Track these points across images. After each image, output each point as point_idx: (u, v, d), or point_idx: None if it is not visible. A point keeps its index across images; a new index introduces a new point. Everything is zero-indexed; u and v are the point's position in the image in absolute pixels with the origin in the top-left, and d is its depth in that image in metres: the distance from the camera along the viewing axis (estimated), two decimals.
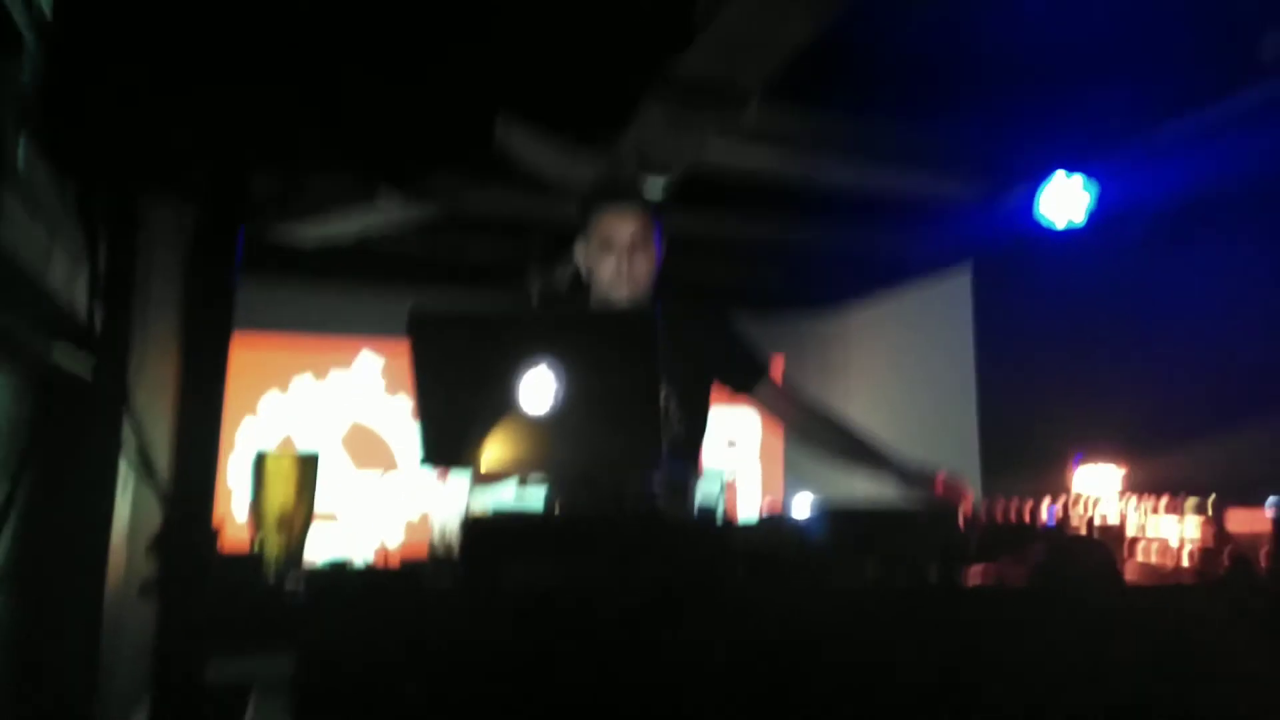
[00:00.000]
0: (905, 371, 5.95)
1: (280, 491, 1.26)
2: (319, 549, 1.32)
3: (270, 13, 1.13)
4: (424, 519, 5.67)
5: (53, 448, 2.06)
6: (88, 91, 1.24)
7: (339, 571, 1.19)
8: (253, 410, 5.62)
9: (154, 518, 1.30)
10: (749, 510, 1.55)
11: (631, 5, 3.41)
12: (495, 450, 1.40)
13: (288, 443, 4.65)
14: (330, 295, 5.80)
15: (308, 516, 1.29)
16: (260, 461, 1.29)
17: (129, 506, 2.37)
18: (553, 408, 1.37)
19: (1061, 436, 1.98)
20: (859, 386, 6.27)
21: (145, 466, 1.14)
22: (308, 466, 1.30)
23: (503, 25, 1.36)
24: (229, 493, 4.96)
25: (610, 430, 1.39)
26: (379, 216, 1.29)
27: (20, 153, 1.79)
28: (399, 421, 5.83)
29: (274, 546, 1.25)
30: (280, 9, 1.14)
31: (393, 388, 5.87)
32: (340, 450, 5.72)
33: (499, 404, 1.37)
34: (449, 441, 1.46)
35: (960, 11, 3.69)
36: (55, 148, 1.82)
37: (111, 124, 1.23)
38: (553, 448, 1.39)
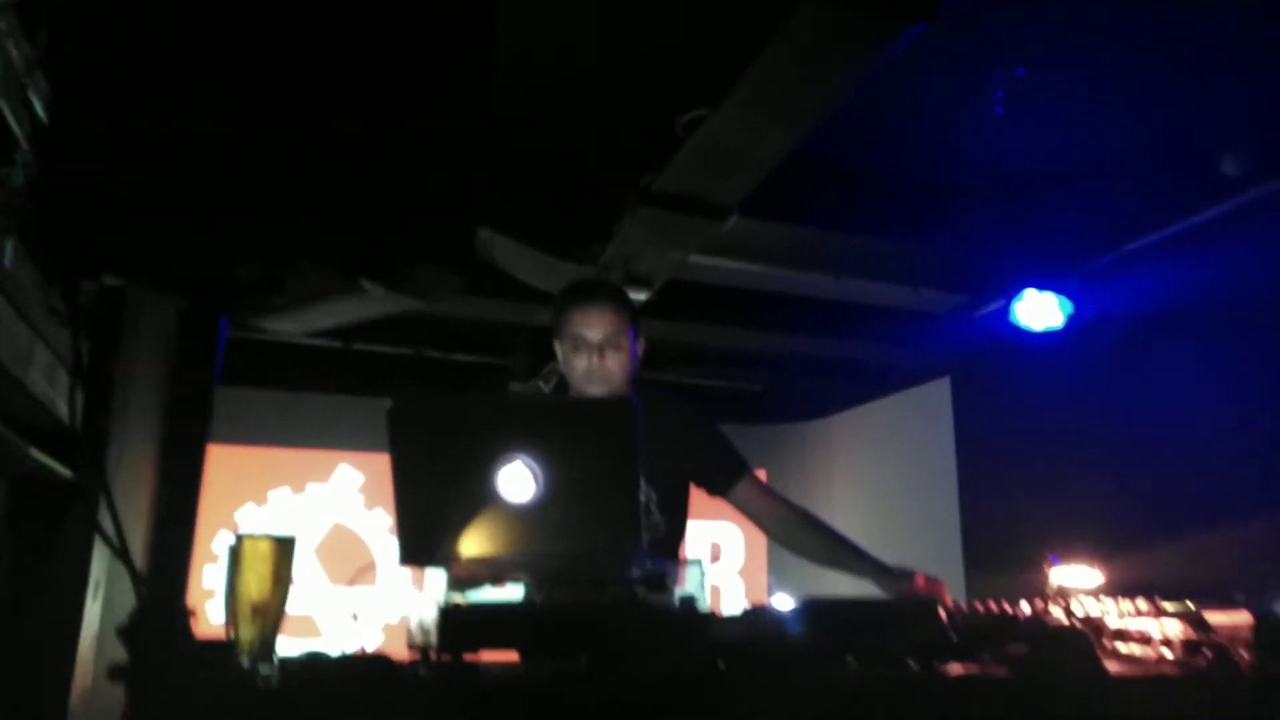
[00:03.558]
0: (887, 477, 5.96)
1: (256, 573, 1.25)
2: (294, 651, 1.29)
3: (258, 106, 1.17)
4: (403, 620, 5.54)
5: (24, 548, 2.03)
6: (78, 191, 1.26)
7: (314, 659, 1.16)
8: (230, 523, 5.55)
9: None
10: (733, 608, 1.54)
11: (614, 121, 3.53)
12: (473, 542, 1.39)
13: None
14: (309, 408, 5.80)
15: (283, 601, 1.27)
16: (237, 544, 1.28)
17: (99, 612, 2.33)
18: (532, 497, 1.36)
19: (1043, 538, 1.99)
20: (842, 493, 6.26)
21: (121, 552, 1.13)
22: (284, 549, 1.28)
23: (485, 140, 1.40)
24: (207, 594, 4.85)
25: (590, 518, 1.38)
26: (361, 307, 1.31)
27: (8, 252, 1.82)
28: (378, 534, 5.76)
29: (248, 631, 1.23)
30: (267, 103, 1.18)
31: (371, 502, 5.81)
32: (316, 562, 5.62)
33: (477, 494, 1.37)
34: (427, 538, 1.44)
35: (934, 132, 3.85)
36: (43, 246, 1.86)
37: (100, 221, 1.26)
38: (531, 538, 1.38)
